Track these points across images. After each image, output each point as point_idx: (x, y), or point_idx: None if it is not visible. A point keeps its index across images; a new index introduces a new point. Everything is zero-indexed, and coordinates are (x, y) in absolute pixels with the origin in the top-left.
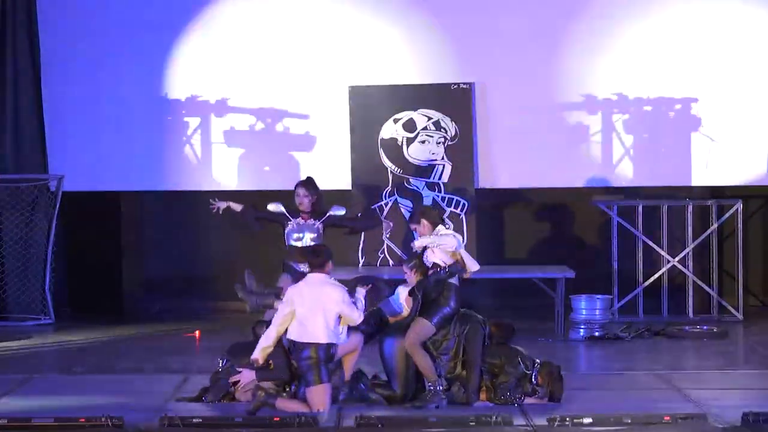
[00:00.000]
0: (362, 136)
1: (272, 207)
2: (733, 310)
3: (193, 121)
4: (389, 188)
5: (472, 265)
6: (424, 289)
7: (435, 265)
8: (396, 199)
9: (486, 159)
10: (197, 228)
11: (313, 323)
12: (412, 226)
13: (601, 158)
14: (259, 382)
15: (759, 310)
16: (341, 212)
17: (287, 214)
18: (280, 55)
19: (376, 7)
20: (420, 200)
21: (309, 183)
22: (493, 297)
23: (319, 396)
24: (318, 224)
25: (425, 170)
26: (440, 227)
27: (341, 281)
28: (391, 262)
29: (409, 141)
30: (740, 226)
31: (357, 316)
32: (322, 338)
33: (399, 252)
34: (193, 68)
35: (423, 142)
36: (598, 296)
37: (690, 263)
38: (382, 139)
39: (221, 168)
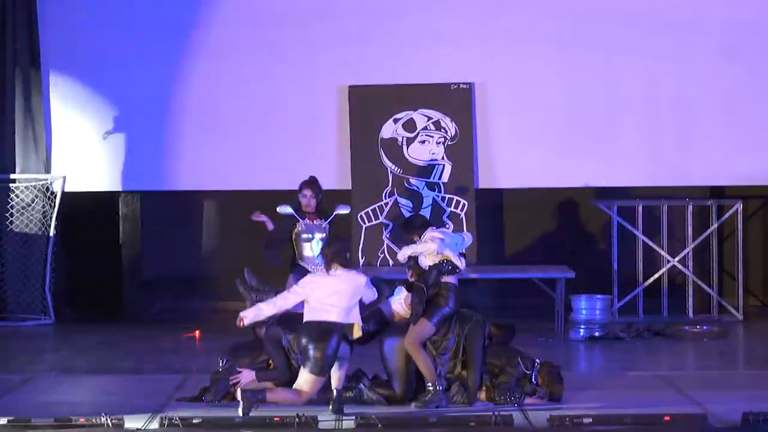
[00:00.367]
0: (362, 136)
1: (281, 210)
2: (733, 310)
3: (194, 121)
4: (389, 188)
5: (459, 265)
6: (425, 283)
7: (431, 267)
8: (396, 199)
9: (486, 159)
10: (197, 228)
11: (333, 305)
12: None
13: (601, 158)
14: (259, 382)
15: (759, 310)
16: (346, 211)
17: (296, 216)
18: (280, 55)
19: (377, 6)
20: (420, 200)
21: (315, 183)
22: (493, 297)
23: (309, 384)
24: (325, 224)
25: (425, 170)
26: (427, 232)
27: None
28: (391, 262)
29: (409, 141)
30: (740, 226)
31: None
32: (342, 319)
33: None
34: (193, 68)
35: (423, 142)
36: (598, 296)
37: (690, 263)
38: (382, 139)
39: (221, 168)
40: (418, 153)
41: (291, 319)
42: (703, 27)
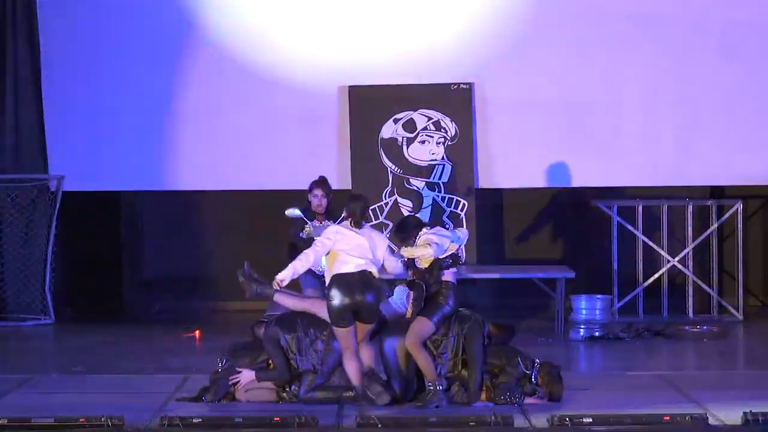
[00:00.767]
0: (362, 136)
1: (290, 213)
2: (733, 310)
3: (194, 121)
4: (389, 188)
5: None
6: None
7: (426, 269)
8: (396, 199)
9: (486, 159)
10: (197, 228)
11: (359, 256)
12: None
13: (601, 158)
14: (259, 382)
15: (759, 310)
16: None
17: (305, 218)
18: (280, 55)
19: (377, 6)
20: (420, 200)
21: (325, 183)
22: (493, 297)
23: (341, 338)
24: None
25: (425, 170)
26: (422, 234)
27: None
28: None
29: (409, 141)
30: (740, 226)
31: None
32: (371, 267)
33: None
34: (193, 68)
35: (423, 142)
36: (598, 296)
37: (690, 263)
38: (382, 139)
39: (221, 168)
40: (418, 153)
41: (290, 319)
42: (703, 27)
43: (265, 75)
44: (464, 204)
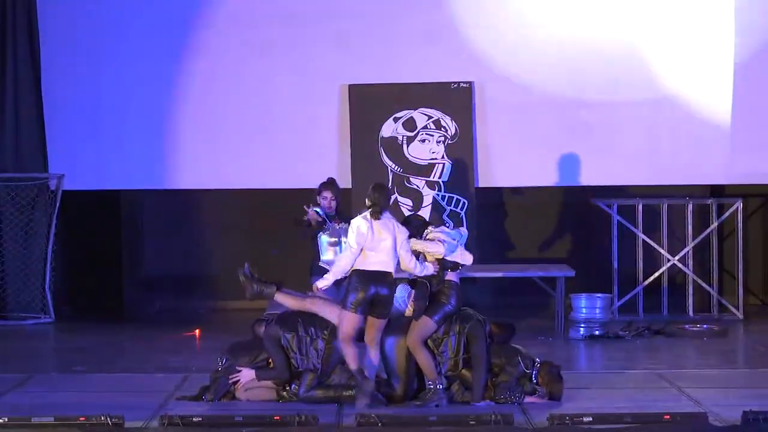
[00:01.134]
0: (362, 135)
1: (314, 215)
2: (733, 309)
3: (194, 121)
4: (389, 187)
5: (466, 261)
6: (429, 280)
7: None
8: (396, 198)
9: (486, 158)
10: (197, 227)
11: (380, 253)
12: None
13: (601, 157)
14: (259, 381)
15: (759, 309)
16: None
17: (327, 219)
18: (280, 54)
19: (377, 6)
20: (420, 199)
21: (334, 184)
22: (493, 296)
23: (344, 321)
24: (347, 227)
25: (425, 169)
26: (429, 232)
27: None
28: None
29: (410, 140)
30: (740, 224)
31: (413, 263)
32: (390, 267)
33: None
34: (193, 67)
35: (423, 140)
36: (598, 295)
37: (690, 262)
38: (383, 138)
39: (221, 167)
40: (418, 152)
41: (291, 318)
42: (703, 27)
43: (265, 74)
44: (464, 203)
